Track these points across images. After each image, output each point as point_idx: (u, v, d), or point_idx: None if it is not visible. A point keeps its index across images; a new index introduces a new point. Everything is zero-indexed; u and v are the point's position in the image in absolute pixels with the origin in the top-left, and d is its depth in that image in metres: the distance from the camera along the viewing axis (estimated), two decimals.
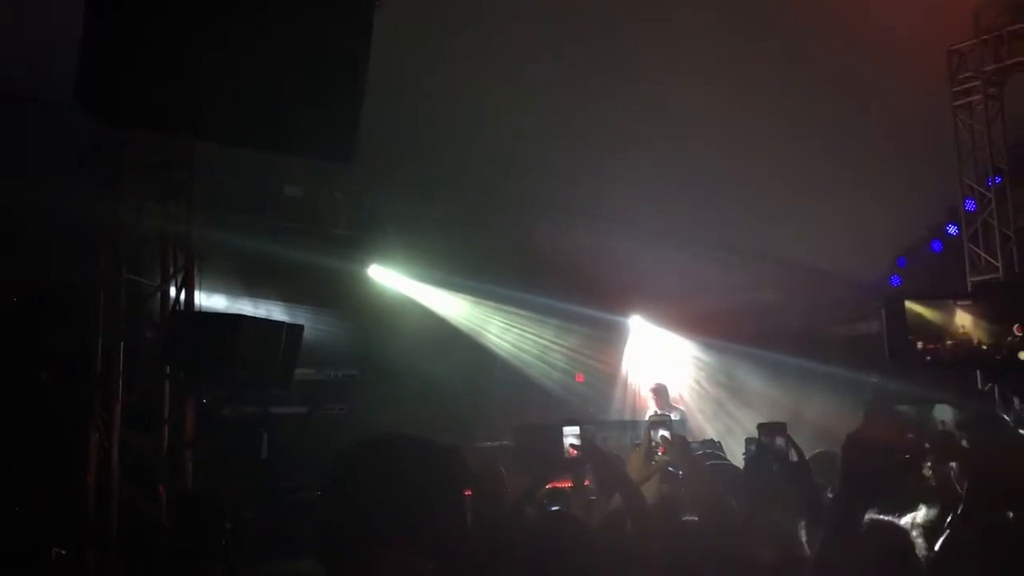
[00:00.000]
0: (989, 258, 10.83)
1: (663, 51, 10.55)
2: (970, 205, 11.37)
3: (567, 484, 6.88)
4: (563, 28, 10.15)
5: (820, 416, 9.87)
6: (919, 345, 1.64)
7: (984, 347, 1.61)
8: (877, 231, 12.72)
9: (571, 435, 3.62)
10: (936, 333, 1.64)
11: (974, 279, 10.43)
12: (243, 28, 5.22)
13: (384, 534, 1.66)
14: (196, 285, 6.61)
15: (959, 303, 1.72)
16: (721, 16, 10.24)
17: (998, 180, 11.13)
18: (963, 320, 1.67)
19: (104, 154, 6.00)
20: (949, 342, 1.62)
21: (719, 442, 8.82)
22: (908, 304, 1.69)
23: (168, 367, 6.40)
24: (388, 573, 1.41)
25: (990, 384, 8.55)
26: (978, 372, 10.09)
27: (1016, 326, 1.56)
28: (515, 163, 11.49)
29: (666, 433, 4.10)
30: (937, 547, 2.47)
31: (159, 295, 6.61)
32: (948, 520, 2.57)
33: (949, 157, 11.44)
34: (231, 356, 5.55)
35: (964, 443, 1.76)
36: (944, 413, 1.61)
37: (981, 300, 1.78)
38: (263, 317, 6.61)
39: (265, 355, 5.78)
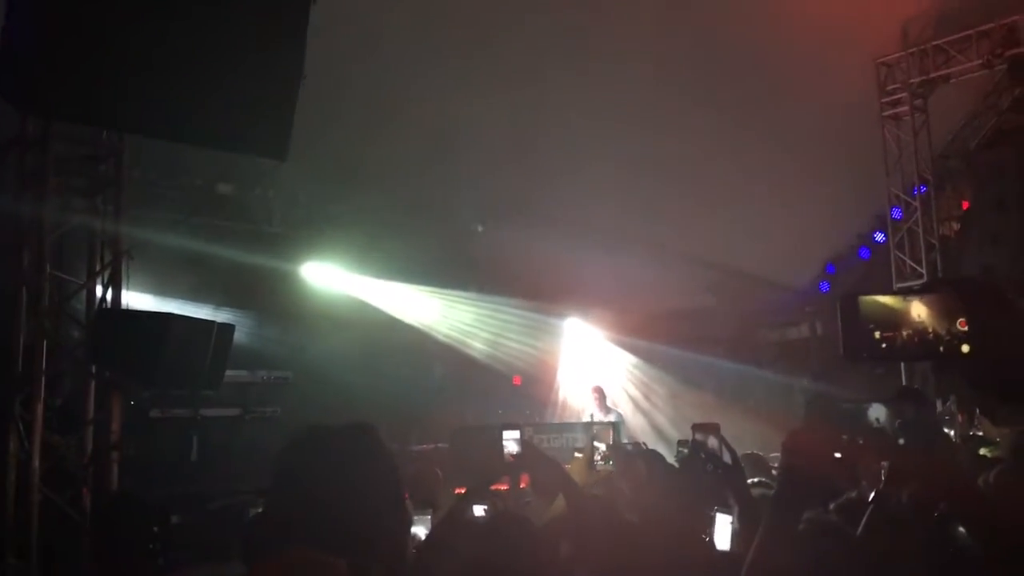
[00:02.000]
0: (914, 264, 11.16)
1: (601, 58, 10.65)
2: (897, 213, 11.71)
3: (503, 487, 6.89)
4: (503, 28, 10.17)
5: (751, 418, 10.06)
6: (876, 335, 1.68)
7: (936, 337, 1.66)
8: (808, 238, 13.00)
9: (511, 439, 3.59)
10: (893, 321, 1.69)
11: (900, 284, 10.75)
12: (175, 21, 5.11)
13: (300, 532, 1.66)
14: (124, 283, 6.42)
15: (914, 296, 1.78)
16: (657, 26, 10.38)
17: (923, 189, 11.49)
18: (919, 310, 1.71)
19: (27, 147, 5.80)
20: (906, 332, 1.67)
21: (644, 444, 8.96)
22: (864, 297, 1.74)
23: (93, 366, 6.20)
24: (297, 570, 1.38)
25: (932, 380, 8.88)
26: (903, 368, 10.41)
27: (960, 320, 1.62)
28: (453, 164, 11.46)
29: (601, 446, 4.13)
30: (861, 525, 2.54)
31: (85, 293, 6.40)
32: (871, 496, 2.65)
33: (877, 167, 11.77)
34: (158, 355, 5.40)
35: (900, 441, 1.79)
36: (878, 412, 1.66)
37: (931, 293, 1.85)
38: (193, 316, 6.44)
39: (194, 355, 5.63)
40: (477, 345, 14.55)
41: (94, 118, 5.44)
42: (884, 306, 1.45)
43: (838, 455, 1.85)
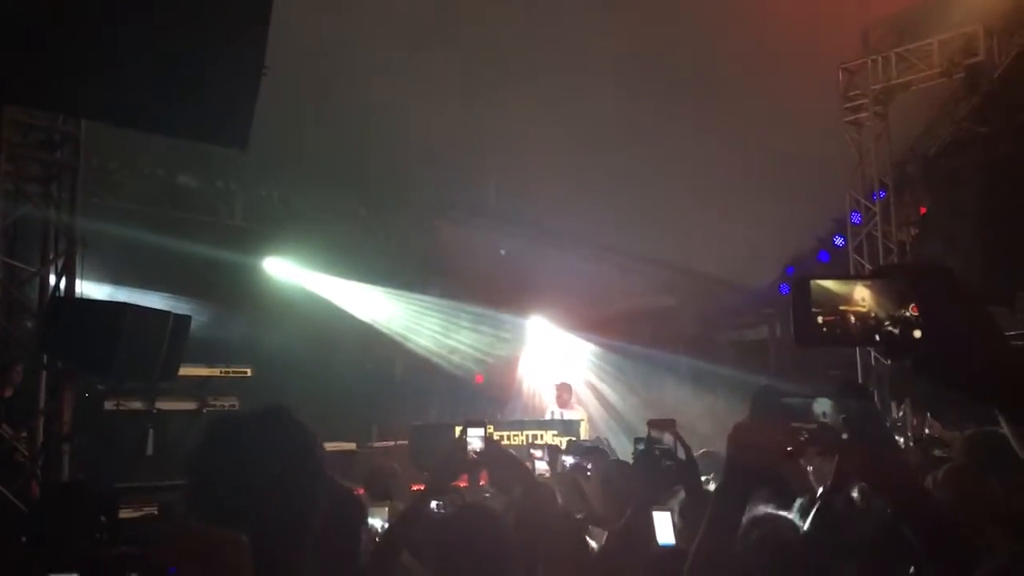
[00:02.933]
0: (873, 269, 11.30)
1: (565, 57, 10.68)
2: (856, 218, 11.85)
3: (463, 483, 6.87)
4: (465, 27, 10.16)
5: (709, 417, 10.13)
6: (819, 319, 1.69)
7: (881, 321, 1.67)
8: (768, 241, 13.13)
9: (475, 435, 3.58)
10: (835, 305, 1.70)
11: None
12: (135, 6, 5.03)
13: (214, 514, 1.66)
14: (78, 272, 6.31)
15: (863, 281, 1.79)
16: (619, 26, 10.43)
17: (883, 195, 11.64)
18: (862, 294, 1.72)
19: None
20: (850, 315, 1.67)
21: (606, 440, 8.99)
22: (814, 281, 1.75)
23: (45, 356, 6.09)
24: (192, 549, 1.37)
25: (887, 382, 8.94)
26: (859, 369, 10.54)
27: (912, 306, 1.63)
28: (417, 161, 11.43)
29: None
30: (807, 523, 2.56)
31: (38, 281, 6.29)
32: (819, 493, 2.67)
33: (838, 171, 11.91)
34: (113, 346, 5.31)
35: (843, 436, 1.79)
36: (824, 406, 1.67)
37: (884, 278, 1.86)
38: (148, 307, 6.34)
39: (149, 346, 5.55)
40: (438, 344, 14.52)
41: (48, 103, 5.34)
42: (828, 290, 1.45)
43: (788, 448, 1.86)
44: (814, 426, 1.87)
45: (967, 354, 1.32)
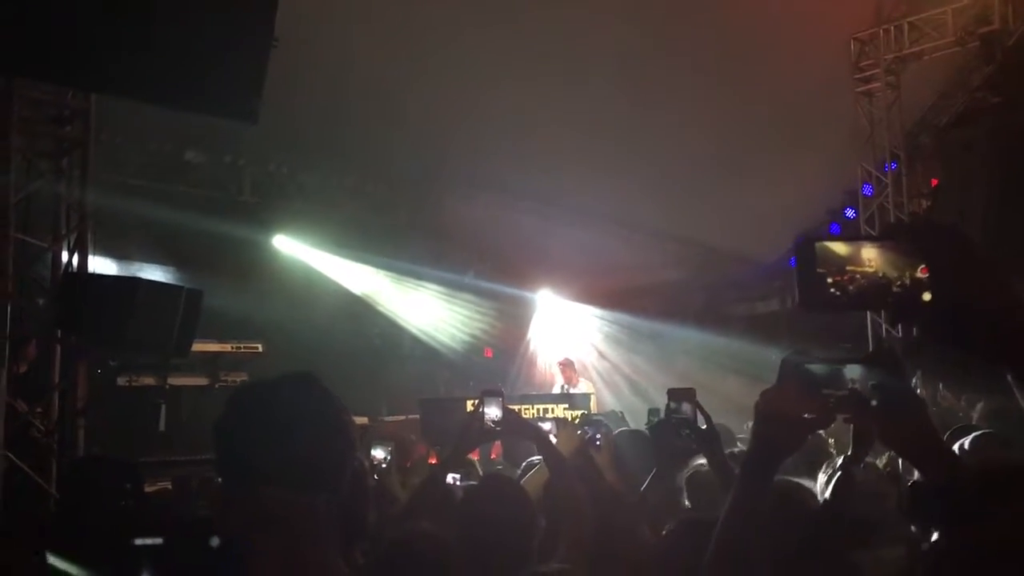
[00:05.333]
0: None
1: (573, 31, 10.57)
2: (867, 190, 11.78)
3: (474, 455, 6.90)
4: (478, 3, 10.06)
5: (720, 391, 10.11)
6: (827, 279, 1.64)
7: (889, 282, 1.63)
8: (778, 213, 13.04)
9: (493, 404, 3.55)
10: (842, 265, 1.66)
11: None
12: None
13: (267, 471, 1.65)
14: (89, 248, 6.31)
15: (870, 242, 1.74)
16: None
17: (894, 166, 11.55)
18: (870, 255, 1.67)
19: None
20: (857, 275, 1.63)
21: (621, 412, 8.94)
22: (819, 243, 1.70)
23: (59, 331, 6.10)
24: (274, 509, 1.36)
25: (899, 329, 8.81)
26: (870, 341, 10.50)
27: (922, 267, 1.58)
28: (426, 136, 11.36)
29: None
30: (829, 491, 2.54)
31: (50, 256, 6.28)
32: (839, 463, 2.66)
33: (849, 143, 11.82)
34: (126, 321, 5.31)
35: (873, 403, 1.75)
36: (854, 372, 1.64)
37: (892, 239, 1.81)
38: (161, 281, 6.35)
39: (162, 320, 5.55)
40: (446, 319, 14.53)
41: (58, 76, 5.31)
42: (834, 251, 1.41)
43: (816, 416, 1.82)
44: (845, 393, 1.82)
45: (978, 316, 1.29)
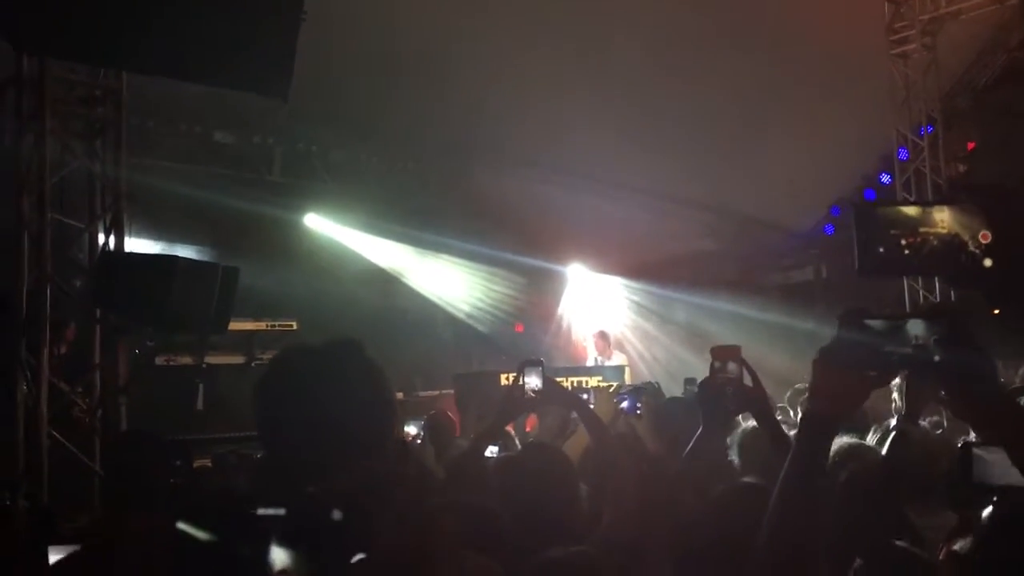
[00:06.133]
0: None
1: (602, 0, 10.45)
2: (903, 154, 11.55)
3: (508, 427, 6.89)
4: None
5: (754, 360, 10.02)
6: (901, 241, 1.57)
7: (962, 244, 1.57)
8: (811, 180, 12.86)
9: (533, 374, 3.51)
10: (915, 227, 1.59)
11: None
12: None
13: (311, 437, 1.63)
14: (125, 228, 6.35)
15: (934, 206, 1.67)
16: None
17: (930, 129, 11.31)
18: (942, 215, 1.60)
19: (23, 87, 5.68)
20: (932, 238, 1.56)
21: (657, 384, 8.90)
22: (882, 207, 1.62)
23: (98, 310, 6.15)
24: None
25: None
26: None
27: (983, 233, 1.52)
28: (455, 111, 11.31)
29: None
30: (885, 448, 2.49)
31: (87, 237, 6.34)
32: (892, 424, 2.60)
33: (884, 107, 11.58)
34: (164, 299, 5.34)
35: (936, 359, 1.68)
36: (917, 328, 1.57)
37: (958, 201, 1.75)
38: (197, 259, 6.38)
39: (201, 297, 5.57)
40: (478, 294, 14.54)
41: (89, 56, 5.32)
42: (906, 214, 1.35)
43: (875, 374, 1.75)
44: (908, 350, 1.75)
45: None
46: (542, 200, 13.03)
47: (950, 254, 1.27)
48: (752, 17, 10.69)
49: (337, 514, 1.09)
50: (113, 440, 5.64)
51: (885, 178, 12.56)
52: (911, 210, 1.32)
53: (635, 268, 14.68)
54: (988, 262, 1.21)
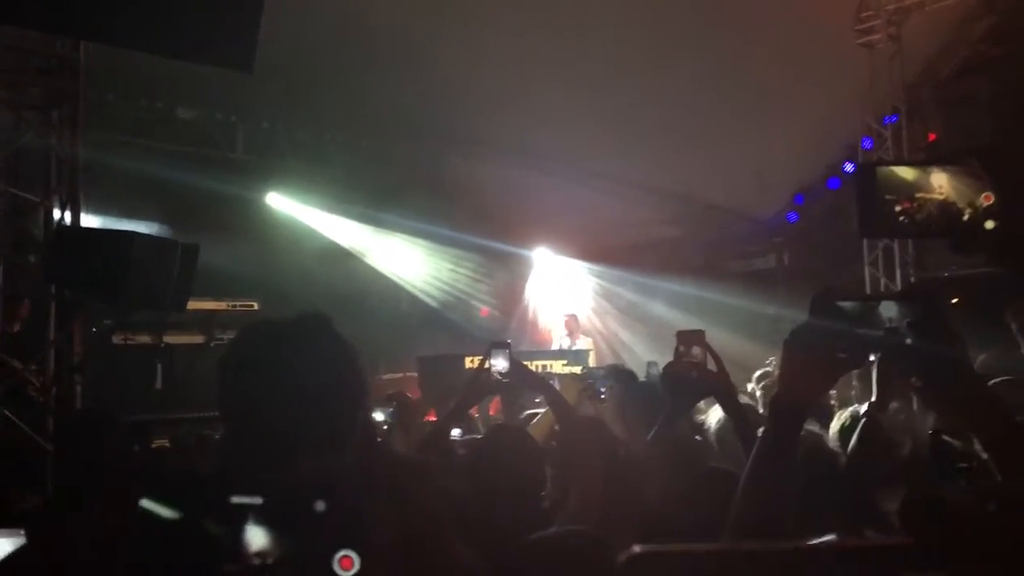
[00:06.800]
0: None
1: None
2: (867, 143, 11.66)
3: (473, 411, 6.85)
4: None
5: (716, 346, 10.08)
6: (896, 207, 1.57)
7: (958, 209, 1.57)
8: (775, 168, 12.93)
9: (500, 355, 3.47)
10: (911, 192, 1.58)
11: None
12: None
13: (277, 417, 1.57)
14: (82, 203, 6.19)
15: (935, 166, 1.67)
16: None
17: (894, 119, 11.43)
18: (940, 180, 1.60)
19: None
20: (927, 202, 1.55)
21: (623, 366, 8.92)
22: (882, 168, 1.62)
23: (53, 288, 6.00)
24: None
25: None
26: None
27: (985, 195, 1.51)
28: (423, 91, 11.19)
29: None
30: (855, 438, 2.48)
31: (42, 211, 6.17)
32: (862, 410, 2.59)
33: (848, 96, 11.67)
34: (122, 275, 5.21)
35: (907, 341, 1.65)
36: (890, 310, 1.55)
37: (959, 163, 1.75)
38: (156, 235, 6.24)
39: (159, 274, 5.45)
40: (443, 277, 14.47)
41: (43, 23, 5.14)
42: (900, 176, 1.32)
43: (841, 355, 1.73)
44: (880, 332, 1.72)
45: None
46: (509, 183, 12.98)
47: (946, 221, 1.26)
48: (719, 4, 10.69)
49: (320, 504, 1.03)
50: (67, 419, 5.51)
51: (849, 167, 12.68)
52: (908, 173, 1.29)
53: (600, 253, 14.70)
54: (990, 224, 1.19)
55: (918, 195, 1.30)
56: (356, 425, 1.72)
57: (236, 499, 1.02)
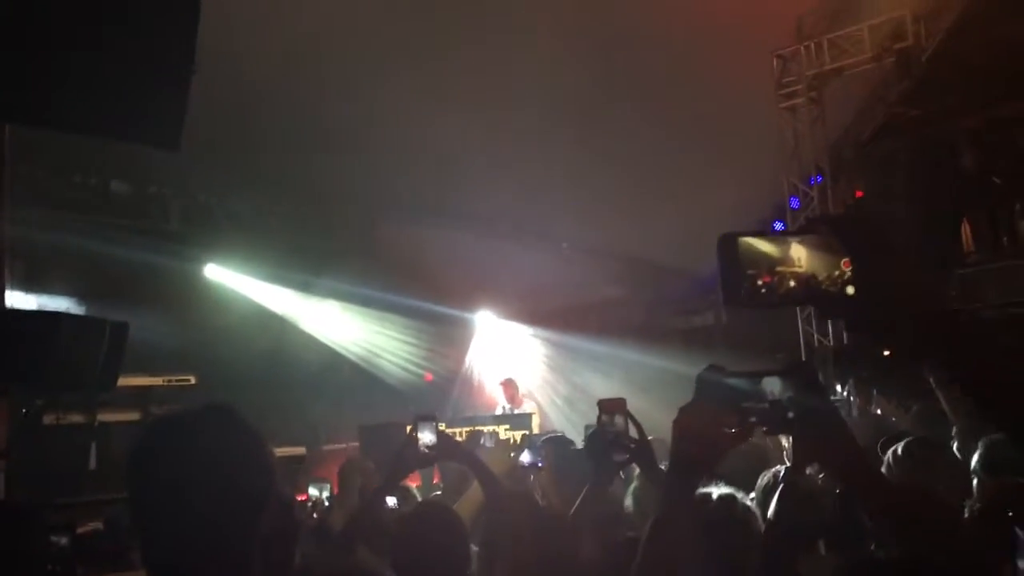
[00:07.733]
0: None
1: (503, 49, 10.64)
2: (794, 203, 12.03)
3: (415, 482, 6.79)
4: (406, 22, 10.07)
5: (659, 406, 10.17)
6: (757, 281, 1.63)
7: (818, 280, 1.64)
8: (711, 227, 13.17)
9: (426, 429, 3.50)
10: (772, 266, 1.65)
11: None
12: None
13: (186, 505, 1.58)
14: (7, 282, 6.08)
15: (793, 238, 1.75)
16: (552, 17, 10.44)
17: (819, 179, 11.83)
18: (799, 253, 1.68)
19: None
20: (789, 278, 1.62)
21: (562, 432, 8.95)
22: (743, 240, 1.69)
23: None
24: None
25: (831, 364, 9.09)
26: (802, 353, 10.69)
27: (844, 261, 1.59)
28: (359, 159, 11.30)
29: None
30: (774, 502, 2.54)
31: None
32: (781, 475, 2.66)
33: (774, 157, 12.07)
34: (47, 356, 5.11)
35: (790, 415, 1.75)
36: (773, 384, 1.64)
37: (814, 234, 1.83)
38: (83, 315, 6.15)
39: (86, 356, 5.35)
40: (384, 344, 14.40)
41: None
42: (761, 250, 1.39)
43: (734, 430, 1.81)
44: (765, 406, 1.81)
45: (895, 306, 1.29)
46: (449, 247, 13.07)
47: (806, 292, 1.33)
48: (649, 73, 11.05)
49: None
50: None
51: (779, 225, 13.01)
52: (768, 247, 1.36)
53: (542, 315, 14.79)
54: (850, 290, 1.26)
55: (779, 269, 1.37)
56: (263, 510, 1.73)
57: None
